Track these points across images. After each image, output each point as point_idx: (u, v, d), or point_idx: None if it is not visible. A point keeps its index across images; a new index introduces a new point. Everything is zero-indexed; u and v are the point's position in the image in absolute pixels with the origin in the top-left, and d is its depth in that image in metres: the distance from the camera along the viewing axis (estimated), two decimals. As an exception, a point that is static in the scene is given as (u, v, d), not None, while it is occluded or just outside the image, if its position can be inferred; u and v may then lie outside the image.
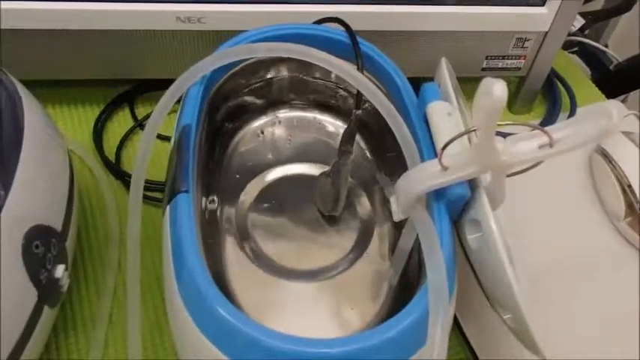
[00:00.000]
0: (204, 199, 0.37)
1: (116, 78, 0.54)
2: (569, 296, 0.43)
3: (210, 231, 0.38)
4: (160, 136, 0.50)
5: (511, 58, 0.55)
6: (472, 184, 0.32)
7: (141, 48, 0.49)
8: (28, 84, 0.39)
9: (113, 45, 0.48)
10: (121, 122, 0.54)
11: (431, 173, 0.31)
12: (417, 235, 0.32)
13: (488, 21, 0.51)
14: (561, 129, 0.29)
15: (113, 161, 0.51)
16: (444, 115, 0.34)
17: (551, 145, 0.29)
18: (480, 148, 0.29)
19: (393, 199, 0.34)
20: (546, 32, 0.53)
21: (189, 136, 0.33)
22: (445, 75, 0.37)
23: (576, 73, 0.64)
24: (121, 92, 0.55)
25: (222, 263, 0.37)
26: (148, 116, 0.54)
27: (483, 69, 0.55)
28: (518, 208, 0.39)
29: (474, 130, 0.28)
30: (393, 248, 0.38)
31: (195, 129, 0.34)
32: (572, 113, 0.59)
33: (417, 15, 0.49)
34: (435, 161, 0.31)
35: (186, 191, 0.31)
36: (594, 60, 0.68)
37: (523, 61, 0.55)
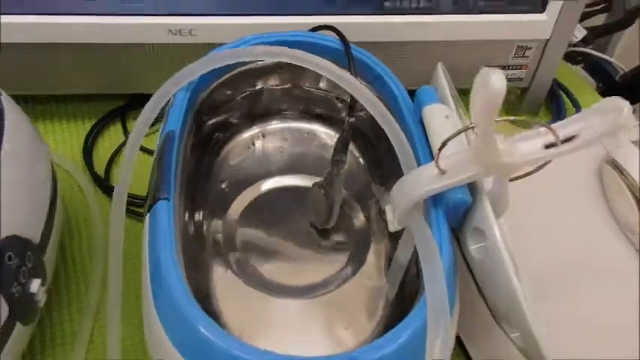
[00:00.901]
0: (187, 212, 0.35)
1: (108, 93, 0.52)
2: (579, 309, 0.41)
3: (195, 246, 0.36)
4: (147, 150, 0.49)
5: (512, 68, 0.53)
6: (473, 189, 0.30)
7: (132, 62, 0.48)
8: (19, 99, 0.38)
9: (104, 60, 0.47)
10: (112, 138, 0.52)
11: (428, 178, 0.29)
12: (415, 245, 0.30)
13: (486, 29, 0.50)
14: (568, 126, 0.27)
15: (103, 177, 0.49)
16: (442, 118, 0.32)
17: (557, 143, 0.27)
18: (479, 148, 0.27)
19: (388, 208, 0.32)
20: (547, 40, 0.51)
21: (172, 143, 0.31)
22: (442, 78, 0.35)
23: (581, 84, 0.62)
24: (113, 108, 0.54)
25: (207, 280, 0.35)
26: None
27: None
28: (522, 218, 0.37)
29: (472, 128, 0.26)
30: (389, 262, 0.36)
31: (180, 136, 0.32)
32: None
33: (413, 25, 0.48)
34: (432, 164, 0.29)
35: (167, 199, 0.29)
36: (600, 70, 0.66)
37: (525, 70, 0.54)
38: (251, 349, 0.24)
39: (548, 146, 0.28)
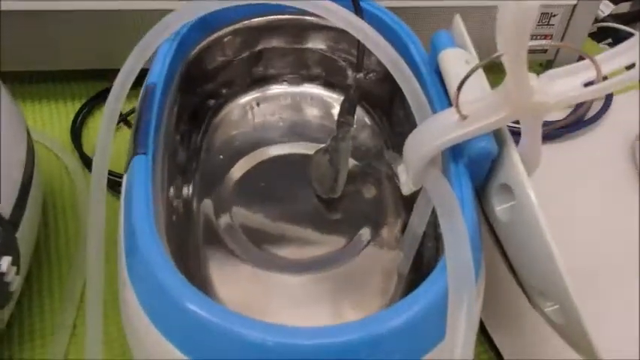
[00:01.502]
0: (174, 187, 0.31)
1: (100, 68, 0.49)
2: (618, 292, 0.36)
3: (184, 226, 0.32)
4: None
5: (536, 38, 0.49)
6: (499, 139, 0.26)
7: (126, 33, 0.44)
8: (5, 76, 0.35)
9: (96, 30, 0.44)
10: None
11: (446, 125, 0.25)
12: (432, 209, 0.26)
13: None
14: (612, 58, 0.23)
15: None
16: (461, 63, 0.28)
17: (599, 80, 0.23)
18: (507, 85, 0.23)
19: (401, 168, 0.28)
20: (574, 6, 0.47)
21: (153, 96, 0.28)
22: (461, 27, 0.31)
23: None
24: (103, 88, 0.50)
25: (199, 264, 0.31)
26: (133, 111, 0.49)
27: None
28: (556, 212, 0.32)
29: (500, 56, 0.22)
30: (403, 233, 0.32)
31: (163, 91, 0.29)
32: (607, 103, 0.52)
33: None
34: (451, 110, 0.25)
35: (145, 153, 0.25)
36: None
37: (550, 41, 0.49)
38: (251, 322, 0.20)
39: (588, 83, 0.24)
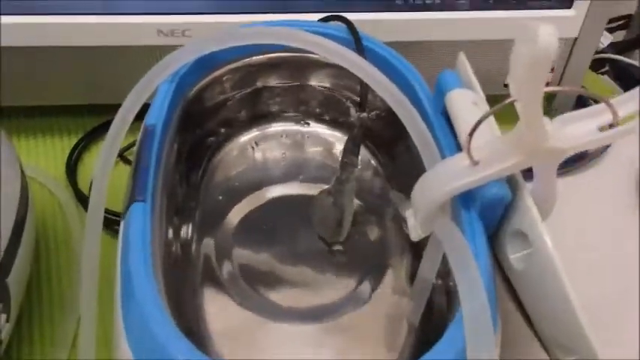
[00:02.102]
0: (172, 228, 0.30)
1: (94, 103, 0.48)
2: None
3: (182, 269, 0.31)
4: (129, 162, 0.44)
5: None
6: (512, 184, 0.25)
7: (120, 68, 0.44)
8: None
9: (90, 66, 0.43)
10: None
11: (457, 170, 0.24)
12: (443, 255, 0.25)
13: (509, 27, 0.45)
14: (629, 101, 0.22)
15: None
16: (469, 105, 0.27)
17: (615, 124, 0.22)
18: (521, 129, 0.22)
19: (409, 213, 0.27)
20: (575, 38, 0.47)
21: (152, 138, 0.27)
22: (466, 66, 0.30)
23: (609, 91, 0.58)
24: (100, 122, 0.50)
25: (197, 310, 0.30)
26: (131, 146, 0.48)
27: (506, 85, 0.48)
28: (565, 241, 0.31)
29: (514, 102, 0.21)
30: (412, 276, 0.31)
31: (163, 132, 0.28)
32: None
33: (429, 23, 0.44)
34: (462, 155, 0.24)
35: (143, 200, 0.24)
36: (626, 77, 0.61)
37: (551, 74, 0.49)
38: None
39: (603, 128, 0.23)
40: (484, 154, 0.24)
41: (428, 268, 0.27)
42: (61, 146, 0.48)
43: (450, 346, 0.21)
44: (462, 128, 0.26)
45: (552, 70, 0.49)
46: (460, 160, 0.24)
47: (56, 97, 0.46)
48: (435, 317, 0.28)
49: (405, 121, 0.26)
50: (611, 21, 0.68)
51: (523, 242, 0.24)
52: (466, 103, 0.27)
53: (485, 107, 0.28)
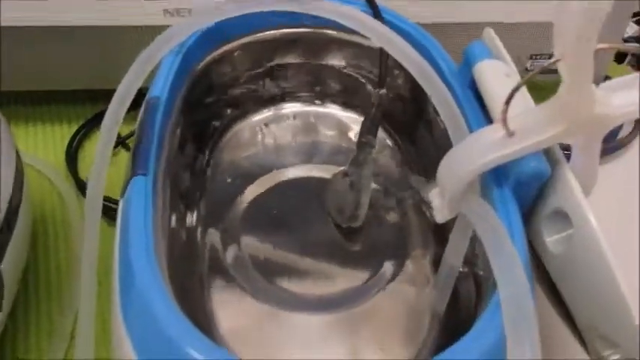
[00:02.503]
0: (176, 214, 0.28)
1: (96, 89, 0.46)
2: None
3: (188, 259, 0.29)
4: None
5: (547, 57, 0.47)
6: (550, 159, 0.23)
7: (124, 51, 0.42)
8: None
9: (93, 48, 0.41)
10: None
11: (490, 143, 0.22)
12: (471, 238, 0.23)
13: (530, 10, 0.43)
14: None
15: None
16: (501, 75, 0.25)
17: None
18: (565, 96, 0.20)
19: (434, 193, 0.24)
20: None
21: (155, 111, 0.25)
22: (495, 40, 0.28)
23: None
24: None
25: (204, 302, 0.28)
26: (133, 134, 0.46)
27: (527, 69, 0.46)
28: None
29: (557, 61, 0.19)
30: (435, 264, 0.29)
31: (167, 106, 0.26)
32: (637, 125, 0.49)
33: (445, 5, 0.41)
34: (496, 125, 0.22)
35: (144, 174, 0.22)
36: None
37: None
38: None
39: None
40: (520, 124, 0.21)
41: (454, 253, 0.25)
42: (61, 134, 0.46)
43: (480, 339, 0.19)
44: (494, 99, 0.24)
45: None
46: (493, 131, 0.22)
47: (56, 82, 0.44)
48: (461, 307, 0.26)
49: (431, 91, 0.24)
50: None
51: (562, 223, 0.22)
52: (498, 74, 0.25)
53: (517, 79, 0.25)
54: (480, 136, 0.22)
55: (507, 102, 0.21)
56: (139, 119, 0.26)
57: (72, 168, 0.43)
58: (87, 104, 0.48)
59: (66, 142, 0.45)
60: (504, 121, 0.21)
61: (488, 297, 0.22)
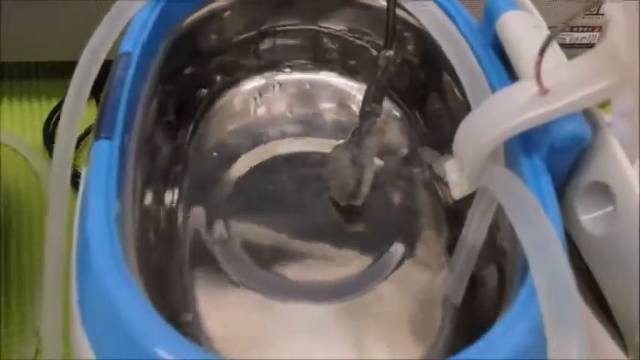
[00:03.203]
0: (152, 192, 0.25)
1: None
2: None
3: (165, 244, 0.25)
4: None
5: (582, 30, 0.43)
6: (590, 123, 0.19)
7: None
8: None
9: (74, 16, 0.38)
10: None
11: (519, 102, 0.18)
12: (493, 216, 0.20)
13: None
14: None
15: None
16: (530, 28, 0.22)
17: None
18: (614, 43, 0.16)
19: (450, 165, 0.21)
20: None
21: (126, 68, 0.22)
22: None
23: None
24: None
25: (184, 291, 0.25)
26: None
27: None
28: None
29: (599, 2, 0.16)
30: (450, 248, 0.25)
31: (140, 63, 0.23)
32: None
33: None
34: (526, 82, 0.18)
35: (109, 138, 0.19)
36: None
37: (597, 34, 0.43)
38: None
39: None
40: (555, 80, 0.18)
41: (473, 233, 0.21)
42: (39, 110, 0.44)
43: (510, 334, 0.16)
44: (522, 54, 0.21)
45: (599, 29, 0.43)
46: (523, 88, 0.18)
47: (34, 53, 0.41)
48: (480, 296, 0.22)
49: (448, 48, 0.21)
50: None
51: (602, 198, 0.19)
52: (526, 26, 0.22)
53: (547, 32, 0.22)
54: (506, 95, 0.19)
55: (542, 52, 0.17)
56: (108, 77, 0.22)
57: (50, 147, 0.40)
58: (67, 78, 0.44)
59: (44, 118, 0.42)
60: (538, 75, 0.18)
61: (515, 284, 0.18)
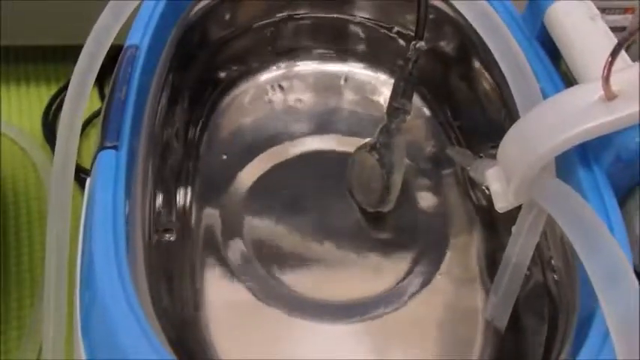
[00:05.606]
0: (163, 193, 0.24)
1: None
2: None
3: (178, 247, 0.24)
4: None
5: (614, 13, 0.41)
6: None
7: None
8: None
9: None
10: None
11: (582, 109, 0.16)
12: (545, 231, 0.18)
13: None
14: None
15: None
16: (585, 19, 0.19)
17: None
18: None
19: (492, 174, 0.19)
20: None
21: (134, 64, 0.20)
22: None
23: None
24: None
25: (193, 297, 0.24)
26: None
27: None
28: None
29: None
30: (488, 263, 0.24)
31: (148, 58, 0.21)
32: None
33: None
34: (591, 86, 0.16)
35: (115, 148, 0.17)
36: None
37: (630, 16, 0.41)
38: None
39: None
40: (624, 84, 0.16)
41: (519, 251, 0.19)
42: (38, 96, 0.43)
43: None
44: (580, 51, 0.19)
45: (632, 10, 0.41)
46: (586, 92, 0.16)
47: (34, 37, 0.40)
48: (524, 323, 0.20)
49: (491, 42, 0.19)
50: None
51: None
52: (581, 17, 0.19)
53: (603, 24, 0.20)
54: (566, 100, 0.17)
55: (614, 54, 0.15)
56: (113, 75, 0.20)
57: (50, 136, 0.40)
58: (69, 62, 0.43)
59: (44, 105, 0.42)
60: (607, 79, 0.15)
61: (570, 309, 0.17)
